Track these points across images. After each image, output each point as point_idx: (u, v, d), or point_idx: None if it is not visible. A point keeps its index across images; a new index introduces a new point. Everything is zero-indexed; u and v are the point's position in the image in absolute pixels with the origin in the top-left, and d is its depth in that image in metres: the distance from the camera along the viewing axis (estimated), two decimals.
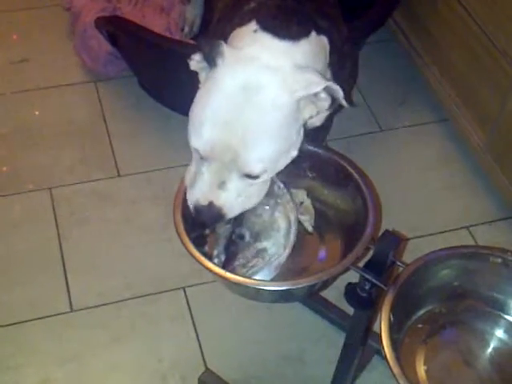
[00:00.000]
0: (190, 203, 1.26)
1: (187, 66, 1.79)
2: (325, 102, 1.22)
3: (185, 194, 1.36)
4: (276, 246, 1.34)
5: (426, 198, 1.96)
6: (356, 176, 1.42)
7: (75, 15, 2.13)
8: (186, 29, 2.15)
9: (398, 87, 2.22)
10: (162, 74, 1.99)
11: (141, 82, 2.12)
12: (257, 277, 1.34)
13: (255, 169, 1.20)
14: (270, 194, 1.33)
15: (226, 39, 1.31)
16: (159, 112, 2.09)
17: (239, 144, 1.17)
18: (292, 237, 1.34)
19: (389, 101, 2.17)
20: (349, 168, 1.43)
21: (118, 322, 1.67)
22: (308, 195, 1.45)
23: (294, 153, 1.26)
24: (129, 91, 2.15)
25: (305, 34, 1.28)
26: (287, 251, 1.33)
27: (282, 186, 1.35)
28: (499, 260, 1.28)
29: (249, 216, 1.34)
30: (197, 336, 1.65)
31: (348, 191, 1.43)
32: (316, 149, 1.44)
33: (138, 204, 1.89)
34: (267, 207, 1.35)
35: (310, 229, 1.44)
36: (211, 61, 1.20)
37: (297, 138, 1.25)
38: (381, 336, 1.18)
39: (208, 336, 1.66)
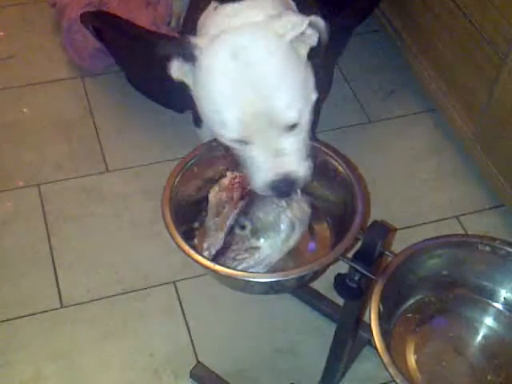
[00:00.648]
0: (264, 184, 1.24)
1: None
2: (314, 37, 1.22)
3: (172, 188, 1.36)
4: (272, 248, 1.33)
5: (415, 188, 1.96)
6: (344, 167, 1.42)
7: (60, 11, 2.12)
8: (173, 22, 2.14)
9: (386, 78, 2.22)
10: (149, 68, 1.98)
11: (128, 76, 2.12)
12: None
13: (291, 115, 1.18)
14: (286, 198, 1.32)
15: (195, 27, 1.31)
16: (147, 107, 2.09)
17: (264, 104, 1.16)
18: (292, 243, 1.33)
19: (377, 92, 2.18)
20: (337, 159, 1.43)
21: (109, 318, 1.67)
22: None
23: (314, 95, 1.24)
24: (116, 86, 2.14)
25: None
26: (280, 255, 1.33)
27: (299, 193, 1.34)
28: (488, 248, 1.28)
29: (256, 210, 1.34)
30: (188, 330, 1.65)
31: (336, 182, 1.43)
32: None
33: (127, 199, 1.89)
34: (276, 207, 1.34)
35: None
36: (191, 57, 1.19)
37: (308, 76, 1.24)
38: (370, 326, 1.18)
39: (199, 330, 1.66)
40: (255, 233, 1.33)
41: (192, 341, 1.64)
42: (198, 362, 1.60)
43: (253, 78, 1.16)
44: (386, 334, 1.19)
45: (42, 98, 2.12)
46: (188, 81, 1.24)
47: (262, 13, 1.23)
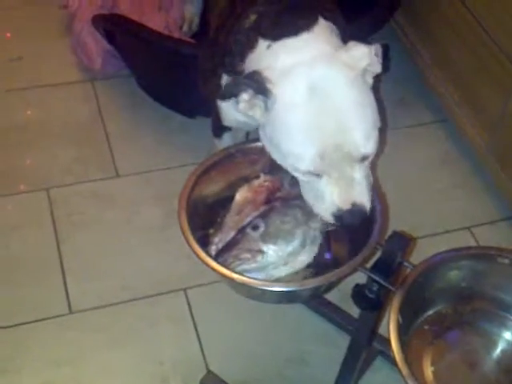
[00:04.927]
0: (329, 215, 1.23)
1: (186, 64, 1.80)
2: (378, 65, 1.24)
3: (188, 193, 1.34)
4: (277, 256, 1.30)
5: (426, 199, 1.95)
6: None
7: (72, 13, 2.11)
8: (185, 27, 2.13)
9: (398, 86, 2.21)
10: (161, 72, 1.97)
11: (139, 81, 2.10)
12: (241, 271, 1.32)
13: (368, 147, 1.19)
14: (310, 215, 1.31)
15: (229, 53, 1.32)
16: (158, 112, 2.07)
17: (342, 137, 1.16)
18: (298, 261, 1.31)
19: (389, 100, 2.16)
20: None
21: (118, 325, 1.65)
22: None
23: (379, 123, 1.24)
24: (126, 90, 2.13)
25: (313, 21, 1.28)
26: (283, 271, 1.31)
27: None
28: (507, 261, 1.28)
29: (275, 215, 1.32)
30: (198, 338, 1.64)
31: None
32: None
33: (137, 205, 1.87)
34: (294, 220, 1.33)
35: None
36: (264, 90, 1.18)
37: (375, 104, 1.24)
38: (389, 337, 1.17)
39: (209, 338, 1.64)
40: (265, 237, 1.31)
41: (202, 349, 1.62)
42: (209, 370, 1.58)
43: (332, 110, 1.16)
44: (403, 345, 1.17)
45: (51, 101, 2.10)
46: (255, 114, 1.23)
47: (326, 44, 1.24)
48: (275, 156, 1.25)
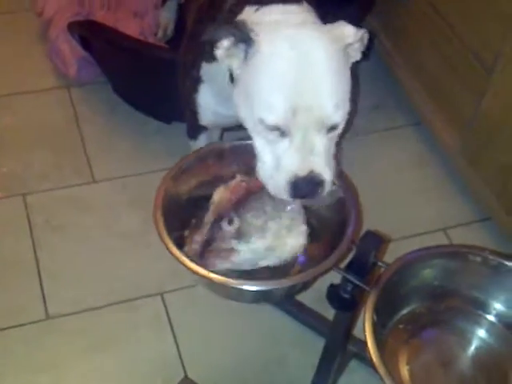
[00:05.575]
0: (286, 182, 1.21)
1: (161, 69, 1.81)
2: (359, 52, 1.27)
3: (163, 195, 1.35)
4: (253, 253, 1.31)
5: (401, 201, 1.97)
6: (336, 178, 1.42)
7: (48, 20, 2.10)
8: (160, 33, 2.14)
9: (372, 91, 2.23)
10: (137, 78, 1.97)
11: (115, 87, 2.11)
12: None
13: (337, 116, 1.20)
14: (279, 207, 1.32)
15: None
16: (134, 117, 2.08)
17: (315, 99, 1.17)
18: (279, 254, 1.32)
19: (363, 105, 2.18)
20: None
21: (95, 330, 1.65)
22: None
23: (349, 105, 1.25)
24: (102, 96, 2.13)
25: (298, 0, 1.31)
26: (269, 261, 1.32)
27: (295, 206, 1.32)
28: (479, 259, 1.29)
29: (247, 211, 1.33)
30: (175, 342, 1.64)
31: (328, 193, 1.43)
32: None
33: (114, 209, 1.87)
34: (265, 214, 1.33)
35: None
36: (247, 39, 1.19)
37: (350, 81, 1.25)
38: (365, 337, 1.18)
39: (187, 342, 1.64)
40: (239, 234, 1.32)
41: (180, 353, 1.62)
42: (186, 375, 1.58)
43: (310, 72, 1.17)
44: (378, 344, 1.18)
45: (27, 107, 2.10)
46: (233, 63, 1.23)
47: (312, 18, 1.28)
48: (244, 111, 1.24)
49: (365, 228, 1.30)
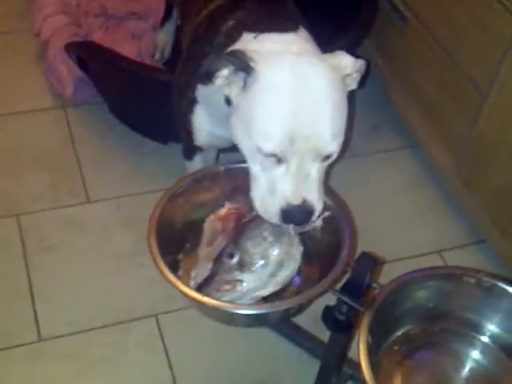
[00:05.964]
0: (278, 209, 1.22)
1: (158, 91, 1.81)
2: (355, 81, 1.29)
3: (157, 219, 1.34)
4: (257, 282, 1.29)
5: (397, 223, 1.97)
6: (331, 199, 1.42)
7: (45, 40, 2.11)
8: (158, 55, 2.15)
9: (369, 113, 2.24)
10: (133, 99, 1.98)
11: (111, 107, 2.11)
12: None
13: (333, 146, 1.21)
14: (277, 232, 1.31)
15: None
16: (129, 138, 2.08)
17: (313, 129, 1.18)
18: (280, 279, 1.31)
19: (360, 127, 2.19)
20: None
21: (89, 352, 1.63)
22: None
23: (344, 134, 1.26)
24: (98, 117, 2.13)
25: (296, 26, 1.33)
26: (268, 291, 1.31)
27: (292, 233, 1.32)
28: (473, 280, 1.29)
29: (245, 241, 1.32)
30: (169, 364, 1.62)
31: (324, 215, 1.43)
32: None
33: (109, 230, 1.86)
34: (265, 241, 1.32)
35: None
36: (247, 67, 1.20)
37: (347, 112, 1.26)
38: (359, 358, 1.17)
39: (181, 364, 1.63)
40: (241, 265, 1.31)
41: (173, 376, 1.61)
42: None
43: (310, 101, 1.18)
44: (373, 366, 1.17)
45: (23, 127, 2.10)
46: (231, 92, 1.24)
47: (311, 47, 1.29)
48: (241, 137, 1.25)
49: (360, 249, 1.29)
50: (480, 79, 1.74)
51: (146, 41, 2.14)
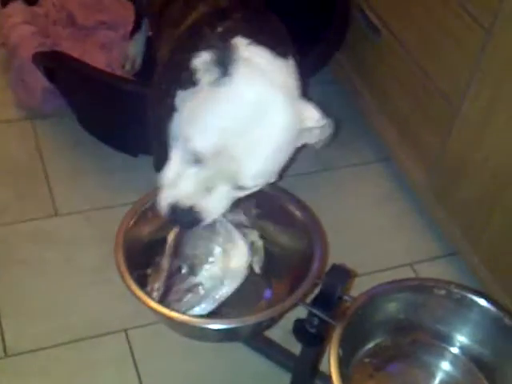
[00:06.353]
0: (168, 202, 1.23)
1: (129, 102, 1.79)
2: (315, 137, 1.28)
3: (125, 233, 1.33)
4: (213, 279, 1.31)
5: (369, 236, 1.96)
6: (302, 212, 1.42)
7: (12, 50, 2.07)
8: (128, 66, 2.13)
9: (341, 127, 2.23)
10: (103, 110, 1.96)
11: (80, 119, 2.09)
12: (192, 312, 1.31)
13: (250, 183, 1.21)
14: (209, 226, 1.31)
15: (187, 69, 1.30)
16: (99, 150, 2.05)
17: (243, 155, 1.18)
18: (234, 268, 1.31)
19: (332, 140, 2.19)
20: (294, 205, 1.43)
21: (57, 368, 1.59)
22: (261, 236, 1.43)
23: (271, 179, 1.27)
24: (67, 129, 2.10)
25: (288, 54, 1.31)
26: (230, 287, 1.30)
27: (224, 220, 1.33)
28: (443, 292, 1.30)
29: (185, 247, 1.32)
30: (139, 380, 1.59)
31: (294, 228, 1.43)
32: None
33: (77, 244, 1.83)
34: (203, 239, 1.32)
35: (256, 270, 1.43)
36: (224, 68, 1.19)
37: (284, 164, 1.26)
38: (330, 371, 1.16)
39: (151, 380, 1.59)
40: (192, 269, 1.31)
41: None
42: None
43: (256, 132, 1.18)
44: (344, 378, 1.17)
45: None
46: (203, 77, 1.22)
47: (292, 80, 1.27)
48: (181, 119, 1.25)
49: (331, 263, 1.29)
50: (451, 93, 1.75)
51: (116, 51, 2.12)
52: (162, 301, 1.29)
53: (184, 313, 1.29)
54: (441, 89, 1.79)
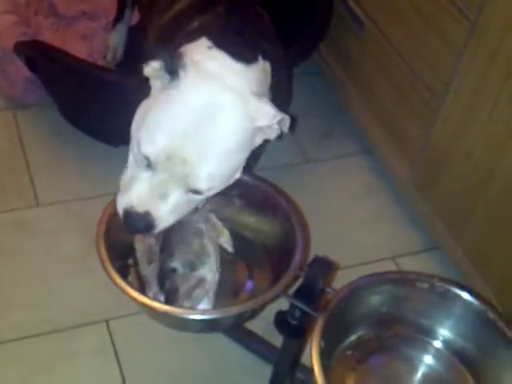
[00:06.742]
0: (122, 207, 1.23)
1: (110, 93, 1.78)
2: (274, 132, 1.26)
3: (106, 223, 1.33)
4: (212, 272, 1.32)
5: (351, 229, 1.96)
6: (284, 203, 1.41)
7: None
8: (109, 56, 2.11)
9: (324, 119, 2.23)
10: (84, 100, 1.94)
11: (61, 109, 2.07)
12: (200, 306, 1.31)
13: (204, 186, 1.20)
14: (197, 220, 1.31)
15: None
16: (80, 140, 2.03)
17: (195, 158, 1.17)
18: (218, 261, 1.32)
19: (314, 132, 2.19)
20: (277, 196, 1.43)
21: (36, 358, 1.59)
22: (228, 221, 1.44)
23: (237, 176, 1.27)
24: (48, 119, 2.08)
25: (254, 58, 1.30)
26: (217, 276, 1.31)
27: (207, 211, 1.33)
28: (426, 285, 1.29)
29: (179, 246, 1.31)
30: (121, 372, 1.58)
31: (276, 219, 1.43)
32: (244, 176, 1.42)
33: (58, 234, 1.82)
34: (195, 235, 1.32)
35: (230, 249, 1.43)
36: (172, 72, 1.19)
37: (244, 162, 1.27)
38: (311, 363, 1.16)
39: (132, 370, 1.59)
40: (192, 266, 1.31)
41: (125, 381, 1.57)
42: None
43: (205, 133, 1.17)
44: (326, 371, 1.17)
45: None
46: (154, 83, 1.24)
47: (248, 84, 1.25)
48: (134, 127, 1.24)
49: (316, 253, 1.29)
50: (436, 85, 1.75)
51: (97, 41, 2.10)
52: (171, 303, 1.28)
53: (190, 308, 1.29)
54: (425, 80, 1.79)
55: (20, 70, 1.99)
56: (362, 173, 2.12)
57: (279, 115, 1.22)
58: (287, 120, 1.24)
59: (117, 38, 2.13)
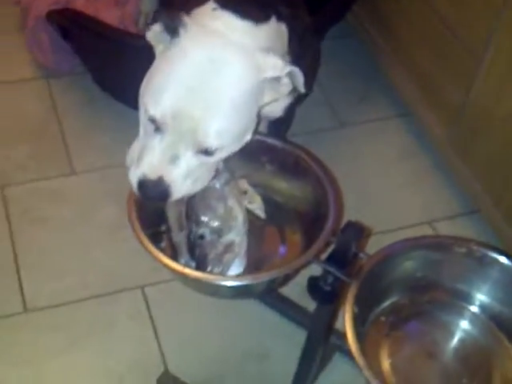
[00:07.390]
0: (136, 177, 1.22)
1: (141, 58, 1.77)
2: (286, 88, 1.23)
3: None
4: (240, 235, 1.31)
5: (387, 194, 1.94)
6: (316, 168, 1.40)
7: (26, 9, 2.06)
8: (142, 22, 2.11)
9: (359, 82, 2.20)
10: (117, 68, 1.94)
11: (94, 77, 2.07)
12: (231, 272, 1.31)
13: (213, 143, 1.17)
14: (216, 183, 1.30)
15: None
16: (114, 108, 2.04)
17: (201, 113, 1.15)
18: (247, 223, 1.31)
19: (349, 96, 2.16)
20: (309, 161, 1.41)
21: (74, 323, 1.62)
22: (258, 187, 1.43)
23: (248, 137, 1.24)
24: (82, 87, 2.09)
25: (264, 18, 1.27)
26: (245, 237, 1.30)
27: (227, 173, 1.32)
28: (463, 250, 1.27)
29: (205, 212, 1.31)
30: (156, 336, 1.61)
31: (308, 184, 1.41)
32: (276, 142, 1.41)
33: (93, 202, 1.84)
34: (218, 199, 1.31)
35: (262, 215, 1.42)
36: (173, 31, 1.18)
37: (254, 120, 1.24)
38: (345, 328, 1.15)
39: (167, 335, 1.61)
40: (219, 232, 1.30)
41: (160, 347, 1.59)
42: (166, 369, 1.55)
43: (210, 87, 1.16)
44: (359, 337, 1.16)
45: (5, 98, 2.06)
46: (157, 48, 1.24)
47: (254, 40, 1.23)
48: (141, 92, 1.24)
49: (351, 219, 1.27)
50: (474, 44, 1.70)
51: (129, 7, 2.09)
52: (202, 269, 1.28)
53: (222, 272, 1.29)
54: (463, 40, 1.74)
55: (53, 38, 2.00)
56: (398, 136, 2.09)
57: (288, 67, 1.19)
58: (298, 74, 1.20)
59: (148, 4, 2.11)
